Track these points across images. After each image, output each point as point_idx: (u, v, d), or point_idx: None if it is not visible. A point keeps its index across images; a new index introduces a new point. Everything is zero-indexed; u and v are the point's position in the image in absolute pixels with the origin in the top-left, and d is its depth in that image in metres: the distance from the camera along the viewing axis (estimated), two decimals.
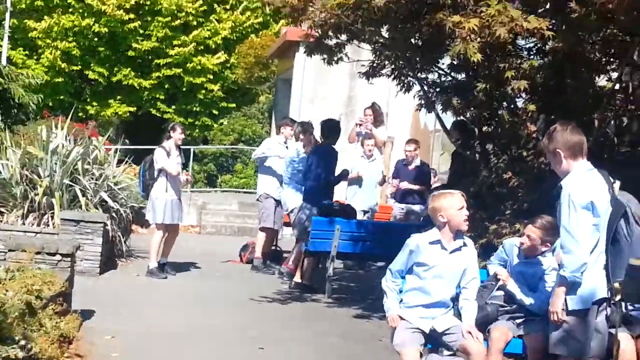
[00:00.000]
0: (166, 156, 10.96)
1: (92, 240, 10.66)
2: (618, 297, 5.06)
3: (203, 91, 25.30)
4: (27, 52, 25.92)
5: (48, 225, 11.06)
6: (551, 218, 5.70)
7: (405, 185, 11.96)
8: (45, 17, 24.93)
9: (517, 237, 6.44)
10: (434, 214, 5.67)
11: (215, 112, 25.50)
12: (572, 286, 5.06)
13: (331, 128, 10.75)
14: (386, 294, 5.76)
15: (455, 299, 5.71)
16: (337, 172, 10.79)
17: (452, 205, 5.59)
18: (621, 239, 5.06)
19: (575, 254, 4.99)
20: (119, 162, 13.26)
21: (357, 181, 12.20)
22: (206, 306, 9.44)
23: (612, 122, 8.41)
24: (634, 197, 5.20)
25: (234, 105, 25.44)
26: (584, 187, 5.07)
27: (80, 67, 25.36)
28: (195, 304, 9.54)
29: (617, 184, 5.20)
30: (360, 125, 12.67)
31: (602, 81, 8.58)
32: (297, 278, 10.54)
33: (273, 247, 12.44)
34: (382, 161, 12.79)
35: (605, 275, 5.09)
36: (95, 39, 25.05)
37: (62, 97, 25.32)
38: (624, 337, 5.21)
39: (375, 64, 9.62)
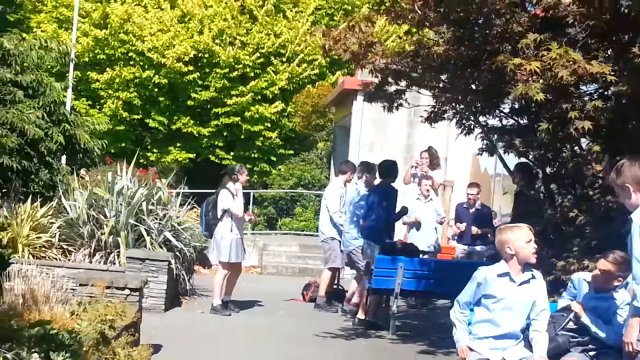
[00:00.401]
0: (232, 197, 11.18)
1: (157, 278, 10.86)
2: None
3: (261, 138, 25.74)
4: (89, 102, 26.64)
5: (114, 264, 11.27)
6: (623, 253, 5.64)
7: (475, 230, 12.09)
8: (108, 69, 25.63)
9: (587, 272, 6.41)
10: (502, 246, 5.69)
11: (273, 158, 25.86)
12: None
13: (387, 168, 10.88)
14: (455, 325, 5.78)
15: (525, 330, 5.70)
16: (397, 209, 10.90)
17: (520, 238, 5.62)
18: None
19: None
20: (181, 205, 13.50)
21: (415, 224, 12.34)
22: (271, 342, 9.53)
23: None
24: None
25: (292, 152, 25.77)
26: None
27: (141, 116, 25.99)
28: (261, 340, 9.63)
29: None
30: (416, 167, 12.83)
31: None
32: (361, 315, 10.67)
33: (335, 286, 12.53)
34: (438, 201, 12.95)
35: None
36: (156, 90, 25.69)
37: (123, 144, 25.88)
38: None
39: (436, 109, 9.75)
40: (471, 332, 5.75)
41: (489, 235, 12.30)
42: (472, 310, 5.79)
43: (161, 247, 11.71)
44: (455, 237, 12.62)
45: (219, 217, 11.26)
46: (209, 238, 11.63)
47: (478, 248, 12.17)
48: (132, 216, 11.78)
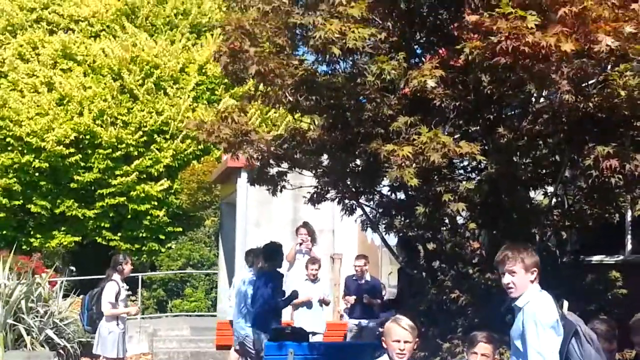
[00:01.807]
0: (118, 293, 10.83)
1: None
2: None
3: (148, 217, 25.29)
4: None
5: None
6: (486, 332, 5.80)
7: (366, 298, 12.11)
8: None
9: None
10: (383, 336, 5.71)
11: (162, 236, 25.42)
12: None
13: (272, 251, 10.79)
14: None
15: None
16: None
17: (390, 334, 5.61)
18: (573, 358, 5.06)
19: None
20: (65, 295, 13.10)
21: (305, 303, 12.25)
22: None
23: (552, 236, 8.59)
24: (579, 318, 5.28)
25: (180, 229, 25.41)
26: (548, 306, 5.09)
27: (22, 201, 25.22)
28: None
29: (566, 304, 5.25)
30: (301, 244, 12.82)
31: (538, 195, 8.78)
32: None
33: None
34: (327, 282, 12.93)
35: None
36: (36, 174, 24.96)
37: (4, 231, 25.11)
38: None
39: (318, 189, 9.78)
40: None
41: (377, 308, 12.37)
42: None
43: (42, 346, 11.31)
44: (347, 311, 12.62)
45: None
46: (92, 333, 11.23)
47: (369, 323, 12.19)
48: (10, 316, 11.34)
